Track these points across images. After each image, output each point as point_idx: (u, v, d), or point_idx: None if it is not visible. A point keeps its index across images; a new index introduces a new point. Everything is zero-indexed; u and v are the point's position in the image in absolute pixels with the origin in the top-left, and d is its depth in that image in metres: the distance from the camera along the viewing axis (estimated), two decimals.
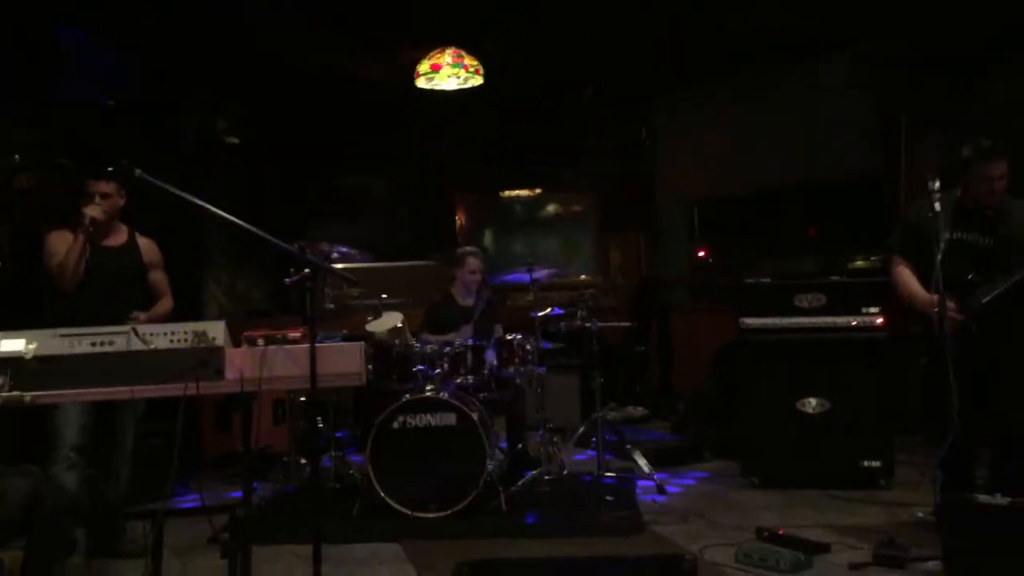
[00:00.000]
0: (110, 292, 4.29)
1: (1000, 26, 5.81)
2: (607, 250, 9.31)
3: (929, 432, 4.25)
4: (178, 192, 3.02)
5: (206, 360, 2.96)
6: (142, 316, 4.24)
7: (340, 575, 4.17)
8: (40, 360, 2.89)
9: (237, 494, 4.24)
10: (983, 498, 3.13)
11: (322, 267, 3.15)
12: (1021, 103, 5.76)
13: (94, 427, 4.17)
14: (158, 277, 4.63)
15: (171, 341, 2.96)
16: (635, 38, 7.95)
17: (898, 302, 4.56)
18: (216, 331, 2.99)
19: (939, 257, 3.88)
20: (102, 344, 2.93)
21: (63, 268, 4.16)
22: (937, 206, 3.98)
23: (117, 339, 2.94)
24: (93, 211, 4.19)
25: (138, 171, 3.40)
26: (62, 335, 2.93)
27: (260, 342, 3.07)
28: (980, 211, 4.17)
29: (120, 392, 2.92)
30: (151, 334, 2.96)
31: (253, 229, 3.06)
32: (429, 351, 5.28)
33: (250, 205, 7.53)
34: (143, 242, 4.58)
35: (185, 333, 2.98)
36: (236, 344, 3.11)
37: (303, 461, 5.82)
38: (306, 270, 3.13)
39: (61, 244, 4.23)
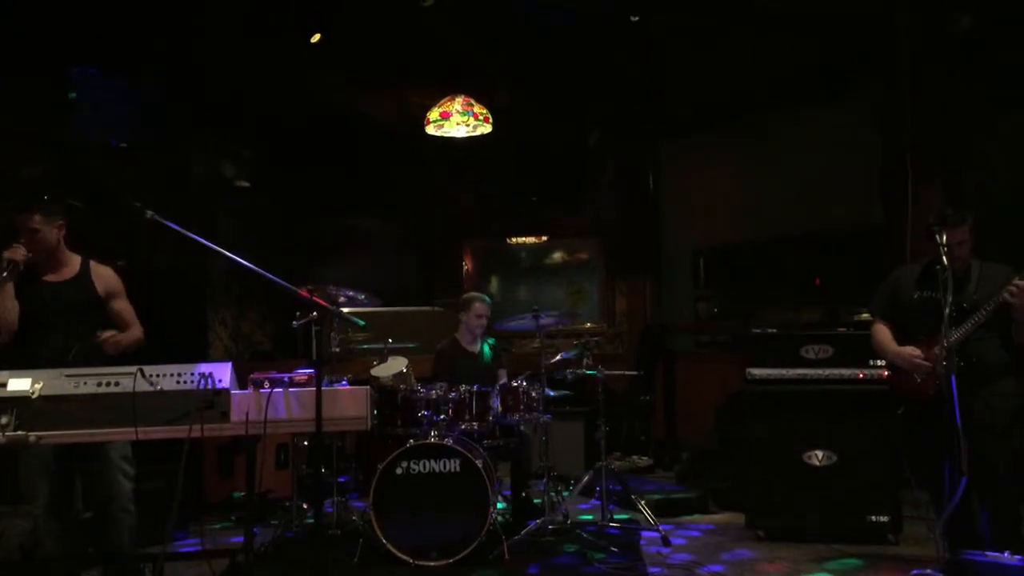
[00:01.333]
0: (56, 329, 3.99)
1: (1003, 75, 5.85)
2: (613, 297, 9.31)
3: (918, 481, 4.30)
4: (191, 235, 3.03)
5: (212, 402, 2.96)
6: (105, 333, 3.99)
7: None
8: (46, 400, 2.89)
9: (238, 539, 4.21)
10: (992, 555, 3.09)
11: (330, 311, 3.14)
12: None
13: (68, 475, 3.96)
14: (121, 306, 4.29)
15: (177, 382, 2.96)
16: (640, 86, 8.04)
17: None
18: (222, 373, 2.99)
19: (947, 311, 3.96)
20: (108, 384, 2.93)
21: None
22: (944, 260, 4.07)
23: (123, 380, 2.94)
24: (12, 253, 3.92)
25: (149, 213, 3.43)
26: (67, 375, 2.94)
27: (266, 385, 3.07)
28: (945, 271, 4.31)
29: (125, 433, 2.92)
30: (158, 375, 2.96)
31: (264, 273, 3.07)
32: (434, 396, 5.26)
33: (256, 246, 7.66)
34: (99, 271, 4.27)
35: (191, 375, 2.98)
36: (242, 386, 3.11)
37: (305, 506, 5.77)
38: (314, 313, 3.12)
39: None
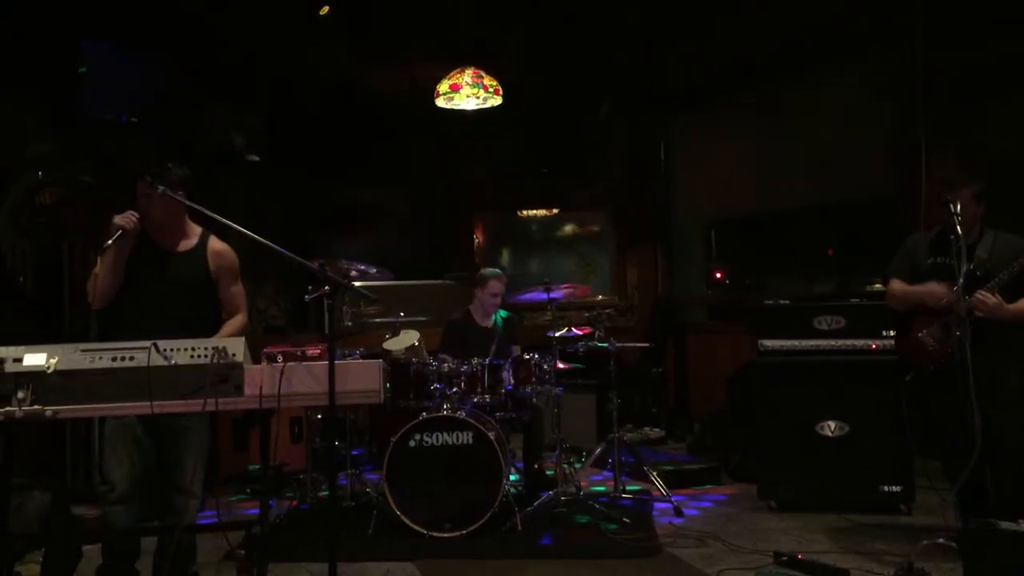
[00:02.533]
0: (157, 305, 3.71)
1: (1018, 37, 5.78)
2: (624, 269, 9.30)
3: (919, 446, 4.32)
4: (200, 208, 3.04)
5: (226, 376, 2.97)
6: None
7: None
8: (61, 375, 2.91)
9: (253, 511, 4.24)
10: (1005, 525, 3.09)
11: (342, 285, 3.15)
12: None
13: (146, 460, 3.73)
14: (233, 291, 3.99)
15: (191, 357, 2.97)
16: (649, 55, 7.98)
17: (899, 315, 4.68)
18: (236, 347, 3.00)
19: (960, 279, 3.97)
20: (123, 359, 2.95)
21: (92, 283, 3.62)
22: (959, 229, 4.06)
23: (138, 354, 2.95)
24: (123, 220, 3.60)
25: (161, 188, 3.45)
26: (83, 350, 2.95)
27: (279, 359, 3.08)
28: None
29: (140, 407, 2.93)
30: (172, 349, 2.97)
31: (276, 247, 3.08)
32: (446, 369, 5.28)
33: (268, 220, 7.67)
34: (215, 248, 3.93)
35: (206, 349, 2.99)
36: (256, 361, 3.12)
37: (319, 479, 5.82)
38: (326, 287, 3.13)
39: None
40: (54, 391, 2.90)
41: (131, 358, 2.95)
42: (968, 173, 4.36)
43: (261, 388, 2.99)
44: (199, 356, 2.97)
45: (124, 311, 3.72)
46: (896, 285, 4.62)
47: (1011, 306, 4.17)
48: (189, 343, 3.00)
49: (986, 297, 4.13)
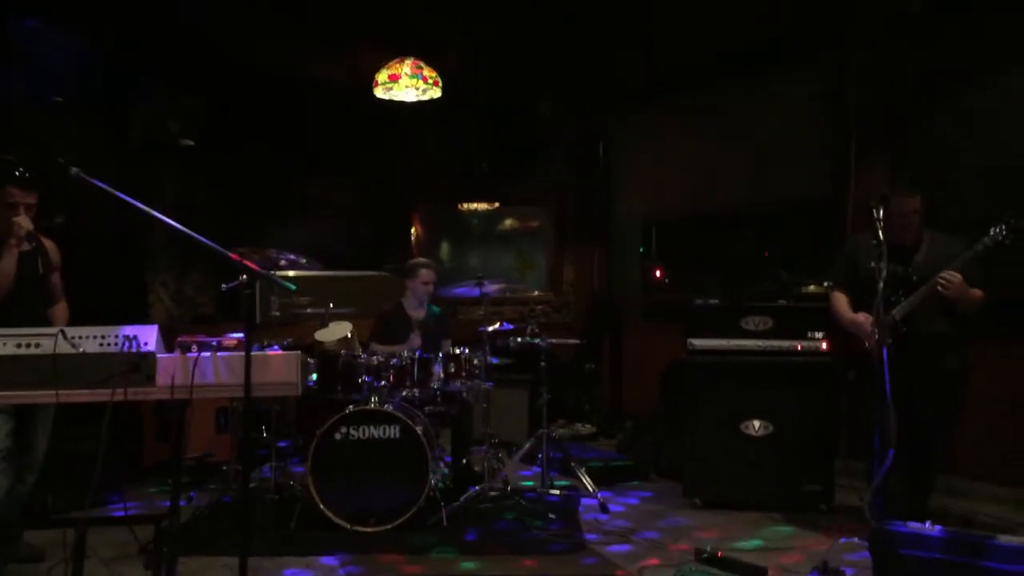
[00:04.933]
0: (22, 298, 4.04)
1: (955, 54, 5.91)
2: (561, 266, 9.31)
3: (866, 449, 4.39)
4: (117, 193, 2.95)
5: (137, 365, 2.89)
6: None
7: None
8: None
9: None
10: (913, 526, 3.16)
11: (258, 274, 3.08)
12: (974, 131, 5.88)
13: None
14: (57, 280, 4.41)
15: (100, 345, 2.89)
16: (593, 53, 7.99)
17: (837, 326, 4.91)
18: (148, 336, 2.93)
19: (880, 285, 4.08)
20: (28, 346, 2.85)
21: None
22: (880, 234, 4.15)
23: (44, 341, 2.86)
24: (25, 223, 3.94)
25: (74, 170, 3.32)
26: None
27: (194, 348, 3.01)
28: (900, 243, 4.50)
29: (45, 396, 2.85)
30: (80, 337, 2.89)
31: (187, 231, 3.00)
32: (375, 362, 5.23)
33: (203, 207, 7.52)
34: (48, 244, 4.28)
35: (116, 337, 2.91)
36: (170, 350, 3.05)
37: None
38: (243, 276, 3.06)
39: None
40: None
41: (37, 344, 2.86)
42: (898, 179, 4.46)
43: (173, 379, 2.92)
44: (108, 344, 2.88)
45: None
46: (837, 300, 4.82)
47: (972, 290, 4.32)
48: (99, 330, 2.92)
49: (952, 275, 4.24)
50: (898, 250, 4.47)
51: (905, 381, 4.23)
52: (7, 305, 3.93)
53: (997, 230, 4.18)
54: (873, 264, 4.26)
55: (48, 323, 4.16)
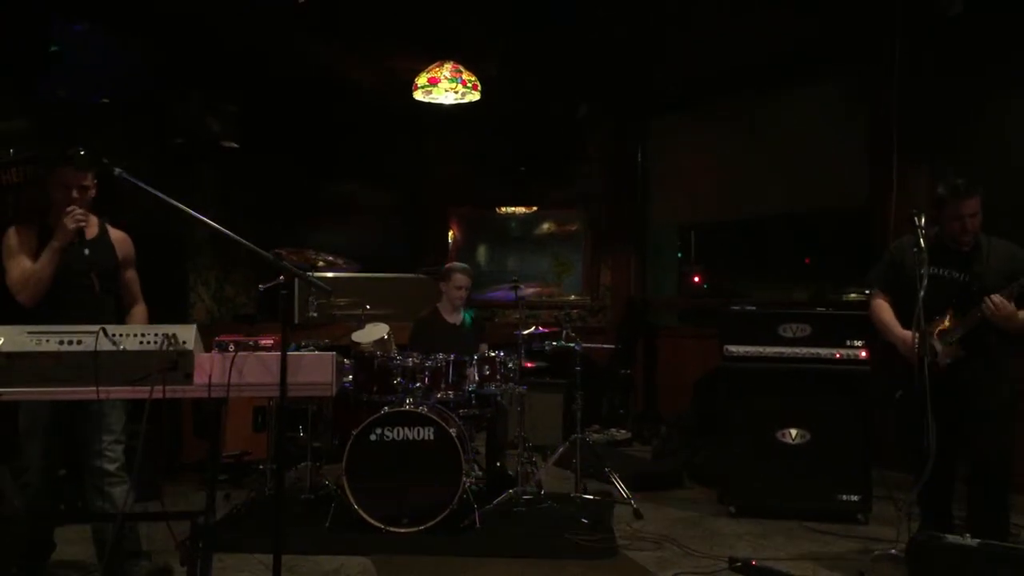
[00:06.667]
0: (80, 293, 3.80)
1: (996, 57, 5.82)
2: (598, 270, 9.29)
3: (906, 464, 4.21)
4: (152, 191, 3.00)
5: (175, 363, 2.93)
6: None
7: None
8: (7, 356, 2.86)
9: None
10: (952, 538, 3.10)
11: (296, 274, 3.11)
12: (1016, 135, 5.77)
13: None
14: (132, 276, 4.12)
15: (140, 343, 2.93)
16: (630, 59, 7.97)
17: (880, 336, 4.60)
18: (187, 334, 2.96)
19: (921, 295, 3.92)
20: (70, 343, 2.90)
21: (27, 281, 3.69)
22: (922, 242, 4.03)
23: (86, 338, 2.91)
24: (74, 221, 3.69)
25: (118, 170, 3.38)
26: (30, 332, 2.90)
27: (231, 348, 3.04)
28: (956, 248, 4.22)
29: (86, 392, 2.89)
30: (121, 335, 2.93)
31: (225, 231, 3.04)
32: (411, 364, 5.26)
33: (241, 208, 7.60)
34: (116, 235, 4.06)
35: (156, 335, 2.95)
36: (207, 349, 3.09)
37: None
38: (280, 277, 3.10)
39: (24, 248, 3.77)
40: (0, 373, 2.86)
41: (79, 342, 2.91)
42: (962, 181, 4.16)
43: (210, 377, 2.95)
44: (148, 342, 2.92)
45: (57, 305, 3.72)
46: (881, 308, 4.47)
47: (1022, 312, 4.02)
48: (139, 328, 2.96)
49: (1003, 303, 3.96)
50: (955, 255, 4.22)
51: (954, 399, 4.06)
52: (56, 303, 3.72)
53: None
54: (922, 271, 4.03)
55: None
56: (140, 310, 4.12)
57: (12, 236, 3.80)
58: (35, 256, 3.74)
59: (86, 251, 3.83)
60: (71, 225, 3.67)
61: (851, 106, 6.96)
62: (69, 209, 3.68)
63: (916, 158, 6.22)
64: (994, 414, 4.14)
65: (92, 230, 3.94)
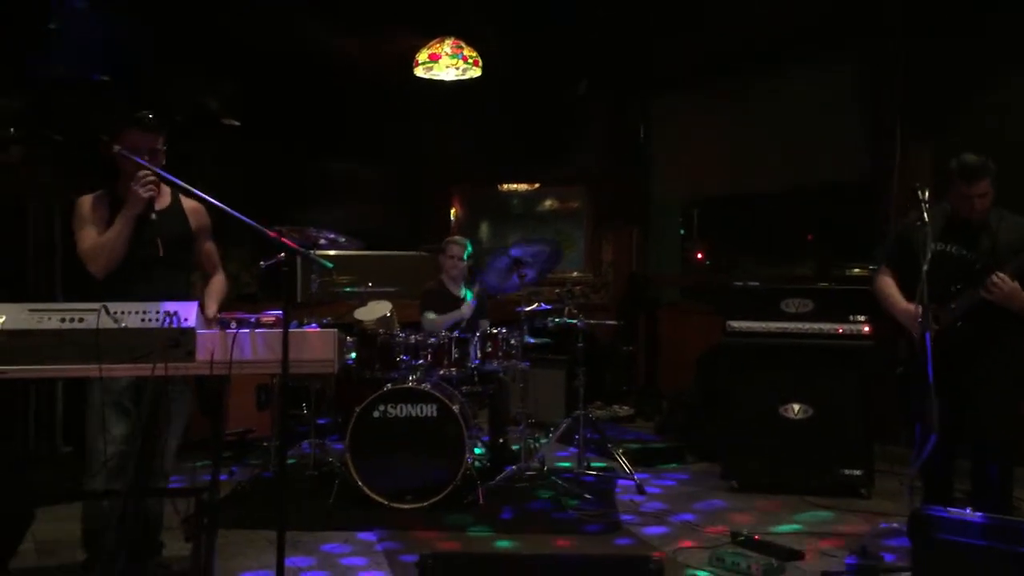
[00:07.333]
0: (154, 266, 3.65)
1: (998, 34, 5.77)
2: (599, 247, 9.28)
3: (907, 439, 4.19)
4: (152, 167, 2.99)
5: (177, 341, 2.93)
6: (210, 311, 3.57)
7: (311, 562, 4.15)
8: (8, 334, 2.86)
9: (222, 477, 4.24)
10: (953, 511, 3.11)
11: (297, 251, 3.11)
12: (1019, 112, 5.73)
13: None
14: (210, 248, 3.95)
15: (142, 320, 2.93)
16: (633, 36, 7.92)
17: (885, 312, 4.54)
18: (188, 312, 2.96)
19: (925, 268, 3.85)
20: (71, 321, 2.90)
21: (100, 251, 3.51)
22: (926, 216, 3.97)
23: (87, 316, 2.91)
24: (146, 190, 3.47)
25: (117, 147, 3.39)
26: (31, 310, 2.90)
27: (233, 325, 3.04)
28: (966, 223, 4.15)
29: (89, 370, 2.89)
30: (122, 312, 2.93)
31: (225, 207, 3.03)
32: (413, 341, 5.27)
33: (243, 186, 7.57)
34: (189, 205, 3.84)
35: (157, 312, 2.95)
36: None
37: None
38: (282, 254, 3.09)
39: (96, 218, 3.60)
40: (1, 351, 2.86)
41: (80, 319, 2.91)
42: (942, 161, 4.13)
43: (212, 354, 2.95)
44: (149, 320, 2.92)
45: (128, 279, 3.55)
46: (885, 283, 4.39)
47: None
48: (140, 306, 2.96)
49: (1003, 281, 3.90)
50: (964, 230, 4.14)
51: (957, 373, 3.99)
52: (129, 279, 3.55)
53: None
54: (934, 247, 3.94)
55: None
56: (219, 280, 3.97)
57: (85, 204, 3.64)
58: (107, 227, 3.57)
59: (155, 218, 3.59)
60: (143, 193, 3.47)
61: (854, 80, 6.91)
62: (141, 174, 3.47)
63: (919, 132, 6.17)
64: (1000, 388, 4.11)
65: (164, 200, 3.74)
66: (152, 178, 3.48)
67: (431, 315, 5.83)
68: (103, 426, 3.45)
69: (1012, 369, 4.16)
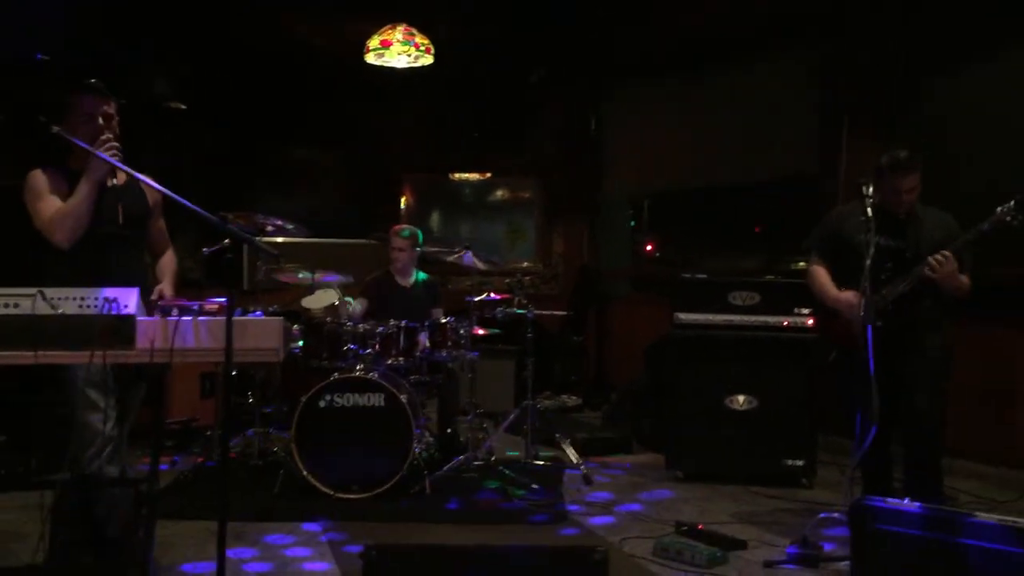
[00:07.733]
0: (117, 245, 3.53)
1: (945, 32, 5.88)
2: (550, 238, 9.30)
3: (849, 429, 4.28)
4: (91, 149, 2.91)
5: (116, 328, 2.85)
6: (167, 290, 3.56)
7: (254, 553, 4.10)
8: None
9: (163, 467, 4.16)
10: (891, 501, 3.16)
11: (242, 238, 3.05)
12: (962, 110, 5.84)
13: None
14: (161, 225, 3.84)
15: (80, 306, 2.85)
16: (586, 27, 7.93)
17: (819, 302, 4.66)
18: (128, 299, 2.89)
19: (868, 263, 3.94)
20: (6, 306, 2.81)
21: (63, 219, 3.35)
22: (869, 211, 4.05)
23: (23, 301, 2.82)
24: (109, 149, 3.32)
25: (56, 128, 3.29)
26: None
27: (175, 312, 2.98)
28: (893, 216, 4.27)
29: (24, 357, 2.81)
30: (60, 298, 2.85)
31: (168, 192, 2.97)
32: (361, 330, 5.22)
33: (189, 171, 7.44)
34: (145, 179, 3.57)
35: (96, 299, 2.87)
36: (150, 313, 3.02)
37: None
38: (225, 240, 3.03)
39: (54, 189, 3.43)
40: None
41: (15, 305, 2.82)
42: (905, 154, 4.21)
43: (153, 342, 2.89)
44: (88, 306, 2.85)
45: (81, 257, 3.42)
46: (818, 274, 4.49)
47: (962, 277, 4.09)
48: (79, 292, 2.88)
49: (947, 259, 4.00)
50: (890, 222, 4.24)
51: (889, 362, 4.13)
52: (95, 256, 3.43)
53: (1005, 209, 3.95)
54: (862, 238, 4.05)
55: (149, 280, 3.68)
56: (171, 257, 3.89)
57: (39, 177, 3.47)
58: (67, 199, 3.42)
59: (115, 183, 3.47)
60: (108, 155, 3.31)
61: (805, 77, 7.00)
62: (104, 138, 3.35)
63: (866, 129, 6.27)
64: (927, 375, 4.23)
65: (120, 175, 3.53)
66: (115, 142, 3.36)
67: (353, 304, 5.72)
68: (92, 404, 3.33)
69: (942, 354, 4.29)
